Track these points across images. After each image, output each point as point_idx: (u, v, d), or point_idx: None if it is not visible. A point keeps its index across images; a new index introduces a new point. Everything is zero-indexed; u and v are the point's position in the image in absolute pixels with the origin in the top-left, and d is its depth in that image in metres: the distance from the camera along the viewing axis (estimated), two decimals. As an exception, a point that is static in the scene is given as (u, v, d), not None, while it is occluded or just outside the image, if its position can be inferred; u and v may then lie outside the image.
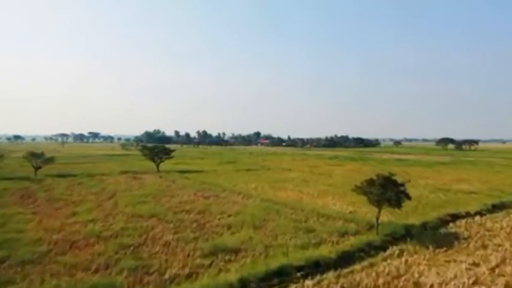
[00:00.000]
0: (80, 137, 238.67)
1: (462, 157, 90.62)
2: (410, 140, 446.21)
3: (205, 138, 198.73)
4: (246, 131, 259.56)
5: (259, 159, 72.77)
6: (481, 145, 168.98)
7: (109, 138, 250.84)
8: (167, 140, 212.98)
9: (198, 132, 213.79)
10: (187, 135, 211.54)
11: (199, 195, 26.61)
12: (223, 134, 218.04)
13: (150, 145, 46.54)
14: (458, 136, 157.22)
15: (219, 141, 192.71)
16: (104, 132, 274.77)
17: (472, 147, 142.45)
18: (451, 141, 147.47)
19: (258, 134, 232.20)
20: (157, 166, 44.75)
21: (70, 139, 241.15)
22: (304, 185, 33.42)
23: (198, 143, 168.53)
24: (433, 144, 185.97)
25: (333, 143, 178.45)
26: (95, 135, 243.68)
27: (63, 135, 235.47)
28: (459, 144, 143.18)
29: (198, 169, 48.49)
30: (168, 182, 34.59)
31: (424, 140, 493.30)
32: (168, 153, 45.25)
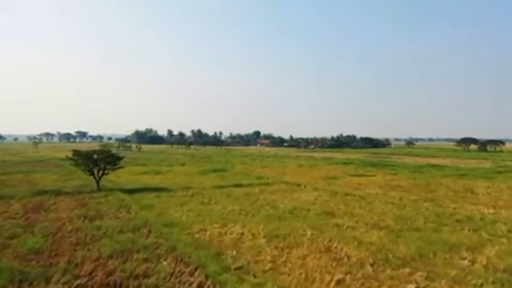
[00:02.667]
0: (67, 137, 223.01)
1: (501, 161, 75.19)
2: (416, 140, 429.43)
3: (200, 138, 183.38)
4: (245, 130, 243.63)
5: (257, 165, 57.44)
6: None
7: (98, 138, 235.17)
8: (159, 139, 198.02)
9: (192, 131, 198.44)
10: (181, 134, 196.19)
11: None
12: (220, 133, 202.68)
13: (85, 150, 30.92)
14: (464, 135, 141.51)
15: (215, 141, 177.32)
16: (94, 131, 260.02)
17: (498, 148, 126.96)
18: (474, 141, 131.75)
19: (257, 133, 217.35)
20: (98, 182, 29.37)
21: (55, 139, 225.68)
22: (333, 227, 18.01)
23: (190, 143, 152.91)
24: (450, 144, 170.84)
25: (340, 143, 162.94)
26: (82, 134, 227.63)
27: (48, 134, 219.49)
28: (483, 145, 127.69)
29: (164, 184, 33.09)
30: (84, 221, 19.14)
31: (430, 140, 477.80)
32: (113, 162, 29.86)
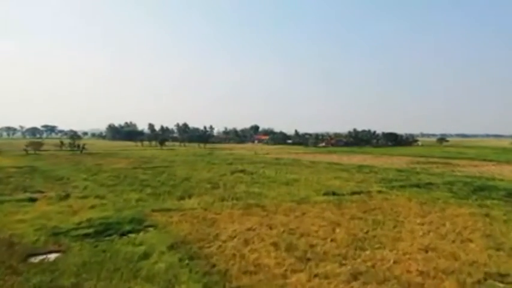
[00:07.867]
0: (32, 132, 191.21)
1: None
2: (428, 136, 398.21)
3: (185, 133, 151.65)
4: (244, 124, 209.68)
5: (240, 191, 25.71)
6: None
7: (70, 133, 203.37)
8: (138, 135, 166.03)
9: (177, 125, 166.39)
10: (163, 129, 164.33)
11: None
12: (211, 128, 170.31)
13: None
14: (473, 131, 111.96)
15: (202, 137, 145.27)
16: (67, 126, 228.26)
17: None
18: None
19: (256, 128, 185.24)
20: None
21: (19, 134, 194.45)
22: None
23: (164, 140, 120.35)
24: (493, 140, 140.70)
25: (357, 140, 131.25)
26: (50, 129, 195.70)
27: (9, 129, 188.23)
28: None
29: None
30: None
31: (443, 135, 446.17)
32: None
